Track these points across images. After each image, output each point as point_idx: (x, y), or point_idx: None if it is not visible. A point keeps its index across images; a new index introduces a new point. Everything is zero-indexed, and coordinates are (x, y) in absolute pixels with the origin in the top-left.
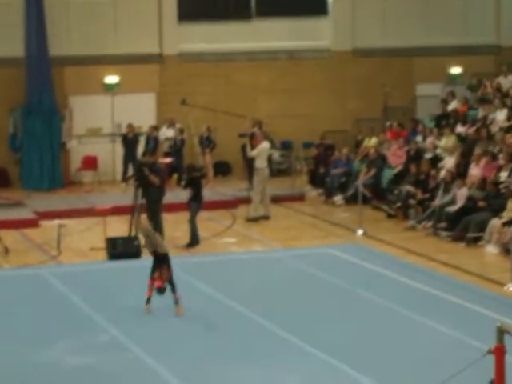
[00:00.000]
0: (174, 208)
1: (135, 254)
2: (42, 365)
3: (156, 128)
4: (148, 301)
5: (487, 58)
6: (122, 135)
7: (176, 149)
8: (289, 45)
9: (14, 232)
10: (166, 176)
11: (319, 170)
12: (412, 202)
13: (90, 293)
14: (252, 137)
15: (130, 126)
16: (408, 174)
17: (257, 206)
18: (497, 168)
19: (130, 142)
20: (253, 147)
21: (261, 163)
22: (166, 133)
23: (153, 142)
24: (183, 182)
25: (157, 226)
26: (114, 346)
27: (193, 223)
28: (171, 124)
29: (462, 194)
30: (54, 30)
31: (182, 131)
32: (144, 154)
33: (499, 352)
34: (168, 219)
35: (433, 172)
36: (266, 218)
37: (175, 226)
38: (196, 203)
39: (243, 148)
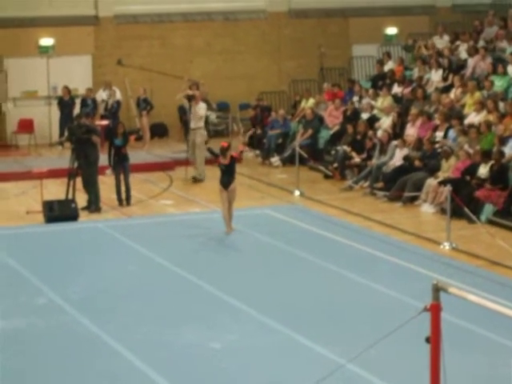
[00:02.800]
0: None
1: (72, 216)
2: None
3: (91, 90)
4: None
5: (422, 18)
6: (57, 98)
7: (112, 111)
8: (224, 6)
9: None
10: (102, 138)
11: (256, 131)
12: (353, 161)
13: (27, 256)
14: (192, 98)
15: (65, 88)
16: (345, 134)
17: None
18: (432, 128)
19: (66, 104)
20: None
21: (198, 123)
22: (102, 95)
23: (92, 104)
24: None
25: (94, 187)
26: (50, 309)
27: (128, 182)
28: (107, 86)
29: (402, 154)
30: None
31: (115, 93)
32: (78, 116)
33: (435, 309)
34: (104, 181)
35: (370, 132)
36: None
37: (112, 188)
38: (128, 162)
39: (180, 110)
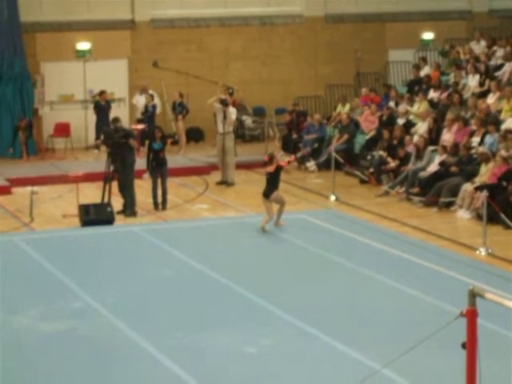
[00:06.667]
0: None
1: (108, 220)
2: (15, 331)
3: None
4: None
5: (459, 23)
6: (94, 102)
7: (148, 115)
8: (261, 10)
9: None
10: (138, 142)
11: (292, 136)
12: (388, 166)
13: (63, 259)
14: (225, 103)
15: (102, 92)
16: (381, 139)
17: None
18: (469, 133)
19: (102, 108)
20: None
21: (229, 128)
22: (139, 99)
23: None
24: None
25: (130, 191)
26: (87, 312)
27: (166, 186)
28: (144, 90)
29: (440, 160)
30: None
31: (152, 97)
32: (115, 120)
33: (471, 315)
34: (140, 185)
35: (406, 138)
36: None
37: (148, 193)
38: (166, 166)
39: (215, 115)
